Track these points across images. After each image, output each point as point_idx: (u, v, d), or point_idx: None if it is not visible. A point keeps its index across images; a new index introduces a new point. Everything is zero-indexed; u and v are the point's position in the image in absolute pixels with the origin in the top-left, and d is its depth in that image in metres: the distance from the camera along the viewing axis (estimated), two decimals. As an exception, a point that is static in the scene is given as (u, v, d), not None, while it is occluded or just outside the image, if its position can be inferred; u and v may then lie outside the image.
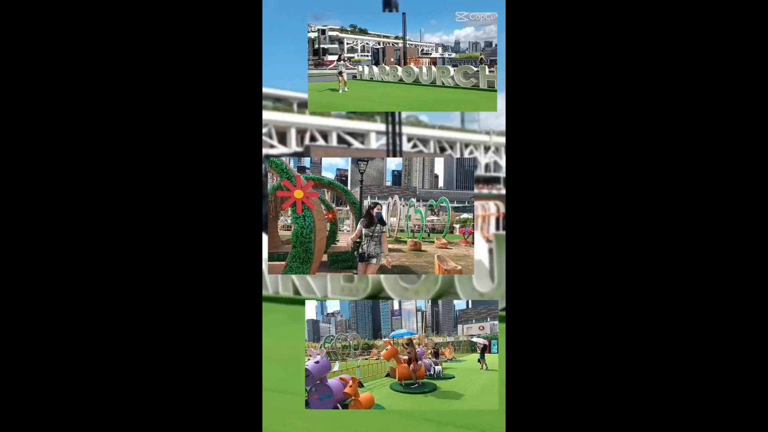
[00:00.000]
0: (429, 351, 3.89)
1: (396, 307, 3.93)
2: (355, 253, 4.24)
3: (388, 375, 3.99)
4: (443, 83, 4.91)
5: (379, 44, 5.65)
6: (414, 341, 3.71)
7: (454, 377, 4.12)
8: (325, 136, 42.84)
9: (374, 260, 4.14)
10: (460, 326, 3.82)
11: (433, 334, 3.88)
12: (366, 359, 4.19)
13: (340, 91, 4.98)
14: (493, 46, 5.53)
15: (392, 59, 5.47)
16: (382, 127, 44.82)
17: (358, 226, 4.20)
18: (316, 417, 3.62)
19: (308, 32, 4.37)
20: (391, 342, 3.79)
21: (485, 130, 54.98)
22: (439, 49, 5.40)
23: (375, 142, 43.15)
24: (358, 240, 4.20)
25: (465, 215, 4.63)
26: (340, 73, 5.20)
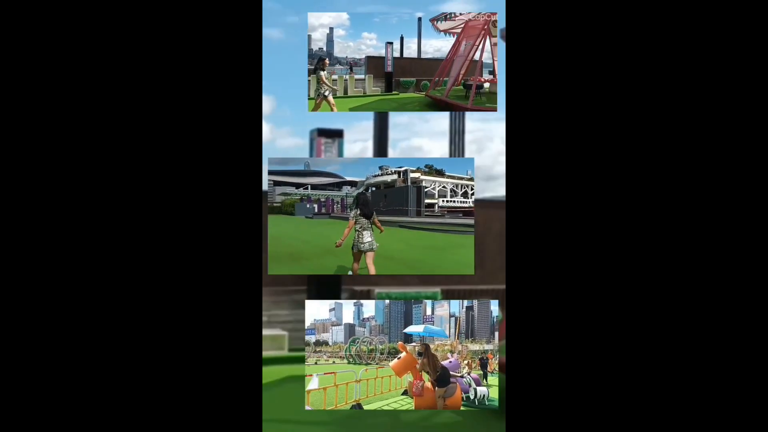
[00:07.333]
0: (466, 362, 3.19)
1: (429, 312, 3.57)
2: (353, 249, 3.77)
3: (405, 393, 3.17)
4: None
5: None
6: (431, 347, 3.02)
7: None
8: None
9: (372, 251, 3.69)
10: (497, 333, 3.35)
11: (467, 341, 3.39)
12: (370, 369, 3.36)
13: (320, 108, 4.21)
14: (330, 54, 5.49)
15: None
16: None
17: (351, 218, 3.77)
18: (314, 417, 3.38)
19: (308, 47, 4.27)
20: (406, 347, 2.92)
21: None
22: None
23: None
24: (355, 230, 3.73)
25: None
26: (325, 95, 4.22)
